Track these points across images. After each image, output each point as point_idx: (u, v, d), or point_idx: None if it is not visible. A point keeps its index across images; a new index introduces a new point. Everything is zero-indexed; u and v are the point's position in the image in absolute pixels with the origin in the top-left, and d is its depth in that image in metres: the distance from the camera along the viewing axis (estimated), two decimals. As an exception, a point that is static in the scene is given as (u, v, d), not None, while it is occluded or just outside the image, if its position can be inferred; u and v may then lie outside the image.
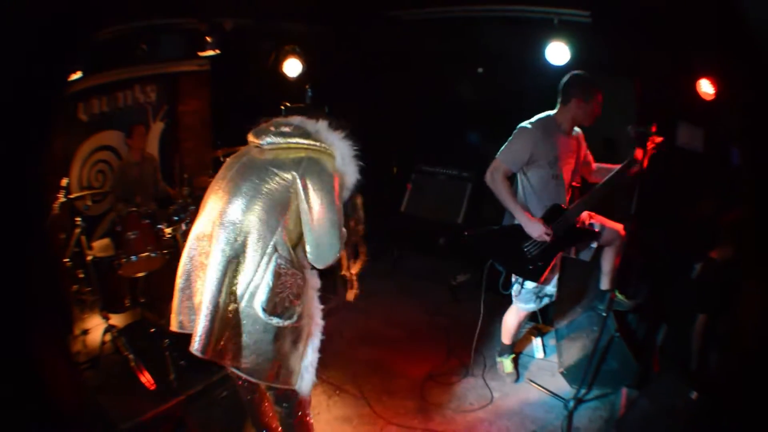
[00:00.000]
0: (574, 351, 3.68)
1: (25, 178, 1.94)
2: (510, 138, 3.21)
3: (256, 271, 2.04)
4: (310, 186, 2.05)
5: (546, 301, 3.48)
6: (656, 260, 4.00)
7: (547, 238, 3.15)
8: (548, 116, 3.27)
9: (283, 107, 4.45)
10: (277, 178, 2.07)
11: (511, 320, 3.63)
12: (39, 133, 2.09)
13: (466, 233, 3.24)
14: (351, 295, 2.65)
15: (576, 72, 3.24)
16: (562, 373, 3.70)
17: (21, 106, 1.77)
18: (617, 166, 3.27)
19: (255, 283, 2.04)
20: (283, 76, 4.19)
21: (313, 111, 2.26)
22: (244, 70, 4.20)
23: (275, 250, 2.04)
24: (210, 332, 2.04)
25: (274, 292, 2.04)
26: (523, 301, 3.46)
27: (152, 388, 3.38)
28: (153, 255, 3.78)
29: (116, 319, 3.85)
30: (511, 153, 3.17)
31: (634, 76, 4.09)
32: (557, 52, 3.80)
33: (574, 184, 3.38)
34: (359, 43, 4.27)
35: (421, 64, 4.64)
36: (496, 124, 3.30)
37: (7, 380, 1.80)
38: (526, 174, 3.25)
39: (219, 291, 2.03)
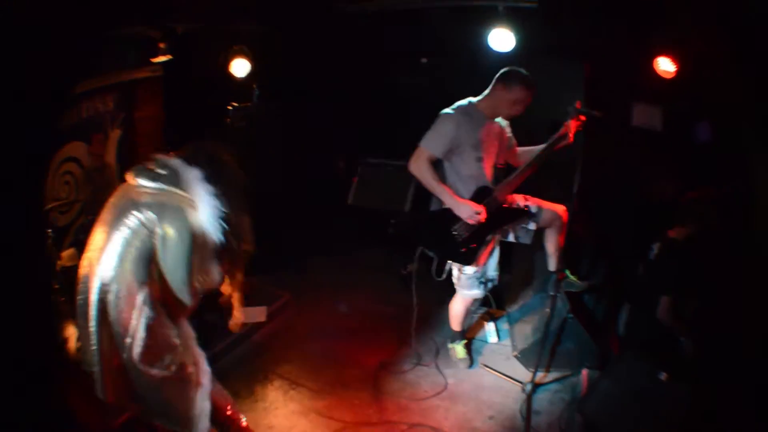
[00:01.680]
0: (527, 334, 3.67)
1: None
2: (432, 125, 3.19)
3: (129, 324, 1.99)
4: (168, 238, 2.00)
5: (490, 286, 3.46)
6: (609, 240, 3.99)
7: (479, 217, 3.11)
8: (470, 102, 3.26)
9: (230, 107, 4.52)
10: (144, 227, 2.00)
11: (457, 308, 3.59)
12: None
13: (392, 221, 3.25)
14: (233, 325, 2.55)
15: (515, 67, 3.20)
16: (516, 356, 3.68)
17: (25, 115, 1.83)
18: (542, 146, 3.27)
19: (130, 337, 2.00)
20: (232, 77, 4.23)
21: (195, 156, 2.12)
22: (194, 73, 4.23)
23: (144, 303, 2.00)
24: (104, 377, 2.06)
25: (147, 345, 2.00)
26: (465, 288, 3.42)
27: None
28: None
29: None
30: (433, 139, 3.14)
31: (584, 58, 4.08)
32: (501, 39, 3.73)
33: (498, 166, 3.34)
34: (305, 40, 4.30)
35: (366, 58, 4.66)
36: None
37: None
38: (451, 160, 3.22)
39: (100, 339, 2.03)
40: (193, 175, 2.06)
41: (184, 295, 2.06)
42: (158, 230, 1.98)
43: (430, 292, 3.69)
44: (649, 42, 3.85)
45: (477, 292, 3.42)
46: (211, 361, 2.33)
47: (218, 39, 4.16)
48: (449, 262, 3.40)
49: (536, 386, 3.39)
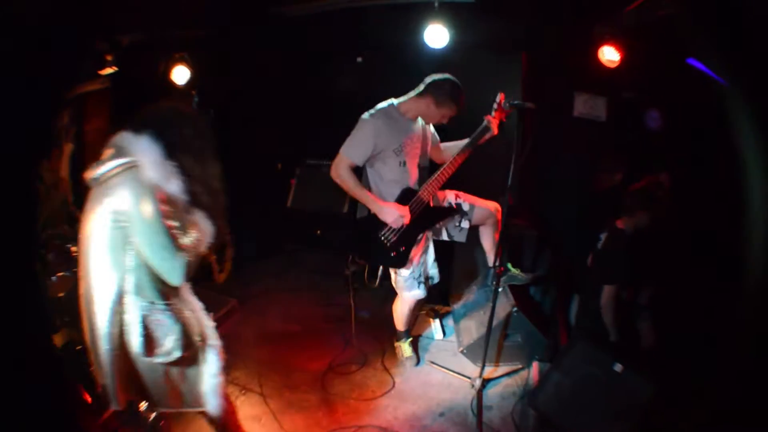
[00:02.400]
0: (472, 329, 3.62)
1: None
2: (353, 130, 3.09)
3: (122, 319, 1.96)
4: (129, 210, 1.86)
5: (431, 283, 3.41)
6: (552, 232, 3.95)
7: (404, 221, 3.05)
8: (391, 104, 3.17)
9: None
10: (106, 217, 1.88)
11: (400, 310, 3.53)
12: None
13: (318, 232, 3.18)
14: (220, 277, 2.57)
15: (450, 78, 3.12)
16: (462, 352, 3.63)
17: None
18: (465, 140, 3.22)
19: (128, 332, 1.97)
20: (173, 84, 4.19)
21: (143, 121, 1.98)
22: (139, 83, 4.20)
23: (136, 293, 1.93)
24: (114, 383, 2.04)
25: (146, 336, 1.97)
26: (406, 289, 3.35)
27: (90, 402, 3.44)
28: (67, 274, 3.84)
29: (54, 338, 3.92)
30: (354, 146, 3.04)
31: (521, 50, 4.03)
32: (436, 35, 3.67)
33: (421, 166, 3.26)
34: (243, 44, 4.27)
35: (303, 60, 4.62)
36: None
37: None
38: (374, 165, 3.15)
39: (110, 343, 1.99)
40: (127, 136, 1.94)
41: (170, 265, 1.91)
42: (121, 211, 1.87)
43: (375, 291, 3.65)
44: (591, 31, 3.80)
45: (418, 292, 3.36)
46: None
47: (160, 47, 4.14)
48: (382, 267, 3.35)
49: (486, 381, 3.37)
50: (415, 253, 3.23)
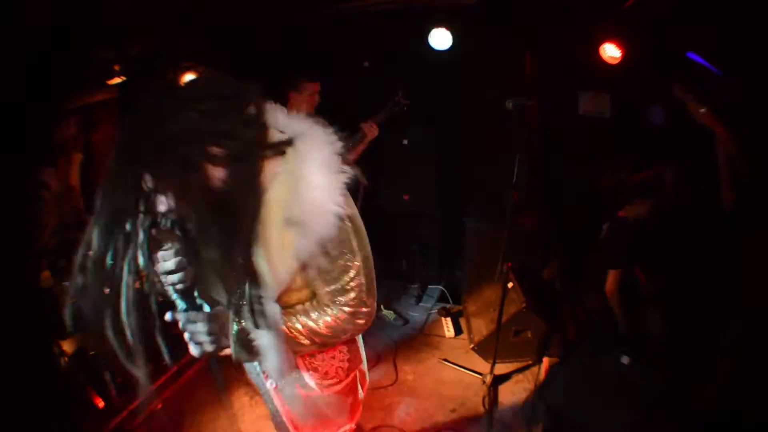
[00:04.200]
0: (482, 327, 3.69)
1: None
2: None
3: None
4: None
5: None
6: (557, 229, 4.01)
7: None
8: None
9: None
10: None
11: None
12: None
13: None
14: None
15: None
16: (473, 349, 3.66)
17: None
18: None
19: None
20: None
21: None
22: (147, 93, 4.24)
23: None
24: None
25: None
26: None
27: (101, 406, 3.53)
28: (78, 281, 3.94)
29: (65, 345, 3.99)
30: None
31: (525, 49, 4.09)
32: (440, 38, 3.74)
33: None
34: (252, 52, 4.32)
35: (310, 65, 4.67)
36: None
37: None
38: None
39: None
40: None
41: None
42: None
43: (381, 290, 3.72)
44: (593, 28, 3.86)
45: None
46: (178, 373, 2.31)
47: (169, 57, 4.21)
48: None
49: (497, 377, 3.39)
50: None
